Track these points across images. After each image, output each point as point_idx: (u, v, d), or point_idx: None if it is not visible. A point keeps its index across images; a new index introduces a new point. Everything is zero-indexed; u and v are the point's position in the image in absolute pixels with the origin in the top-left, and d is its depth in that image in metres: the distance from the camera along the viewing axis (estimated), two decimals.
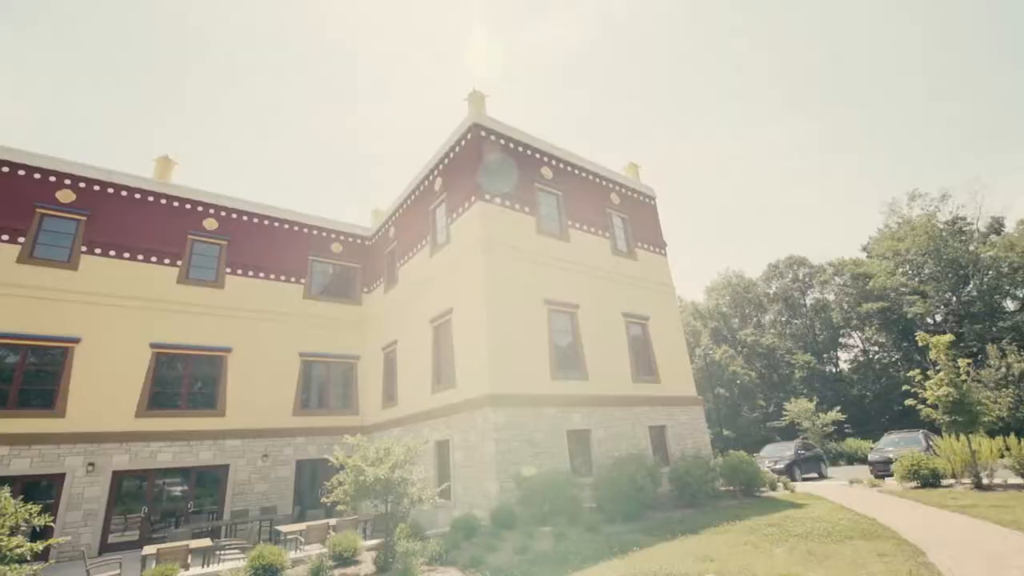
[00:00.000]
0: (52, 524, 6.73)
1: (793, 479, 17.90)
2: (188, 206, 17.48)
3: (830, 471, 22.03)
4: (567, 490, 11.08)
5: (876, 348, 43.03)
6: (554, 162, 16.90)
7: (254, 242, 18.36)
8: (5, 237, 14.24)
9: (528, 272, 14.30)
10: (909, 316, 37.51)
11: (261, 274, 18.11)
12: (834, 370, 44.87)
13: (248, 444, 15.91)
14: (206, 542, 10.04)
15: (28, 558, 5.94)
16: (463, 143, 15.55)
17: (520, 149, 16.01)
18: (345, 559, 8.45)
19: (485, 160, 14.74)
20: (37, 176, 15.20)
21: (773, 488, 15.24)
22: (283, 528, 11.41)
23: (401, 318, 17.30)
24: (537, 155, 16.45)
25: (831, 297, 46.15)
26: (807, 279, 48.16)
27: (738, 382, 40.77)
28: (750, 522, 10.45)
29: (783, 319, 49.02)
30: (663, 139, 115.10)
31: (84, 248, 15.23)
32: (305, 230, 19.79)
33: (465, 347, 13.50)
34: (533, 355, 13.38)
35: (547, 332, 13.99)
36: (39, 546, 6.09)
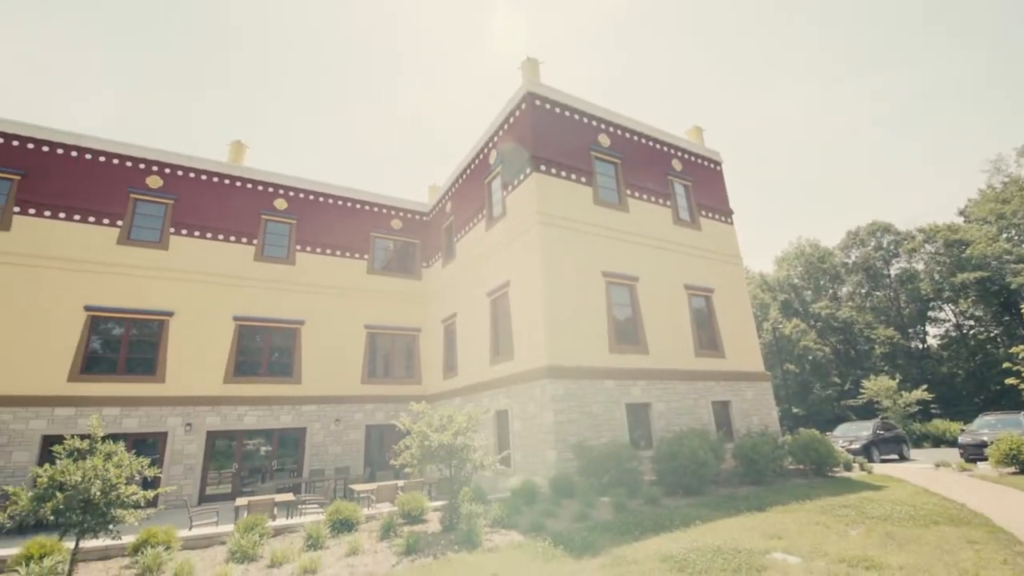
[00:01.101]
0: (159, 475, 7.58)
1: (871, 460, 16.88)
2: (260, 187, 18.52)
3: (913, 453, 20.54)
4: (626, 462, 11.05)
5: (972, 322, 39.06)
6: (612, 129, 16.30)
7: (320, 220, 19.23)
8: (106, 221, 15.76)
9: (585, 244, 14.06)
10: (1013, 287, 33.60)
11: (328, 251, 19.00)
12: (921, 346, 41.30)
13: (322, 409, 17.05)
14: (289, 496, 10.95)
15: (142, 504, 6.74)
16: (517, 113, 15.31)
17: (576, 117, 15.55)
18: (413, 517, 8.93)
19: (539, 130, 14.47)
20: (129, 164, 16.61)
21: (848, 469, 14.44)
22: (356, 487, 12.22)
23: (459, 291, 17.64)
24: (594, 122, 15.93)
25: (920, 267, 42.10)
26: (892, 247, 44.11)
27: (810, 358, 38.56)
28: (822, 502, 9.98)
29: (863, 291, 45.42)
30: (729, 100, 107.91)
31: (172, 229, 16.59)
32: (366, 208, 20.45)
33: (522, 320, 13.58)
34: (591, 328, 13.26)
35: (605, 305, 13.78)
36: (151, 494, 6.88)
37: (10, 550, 6.79)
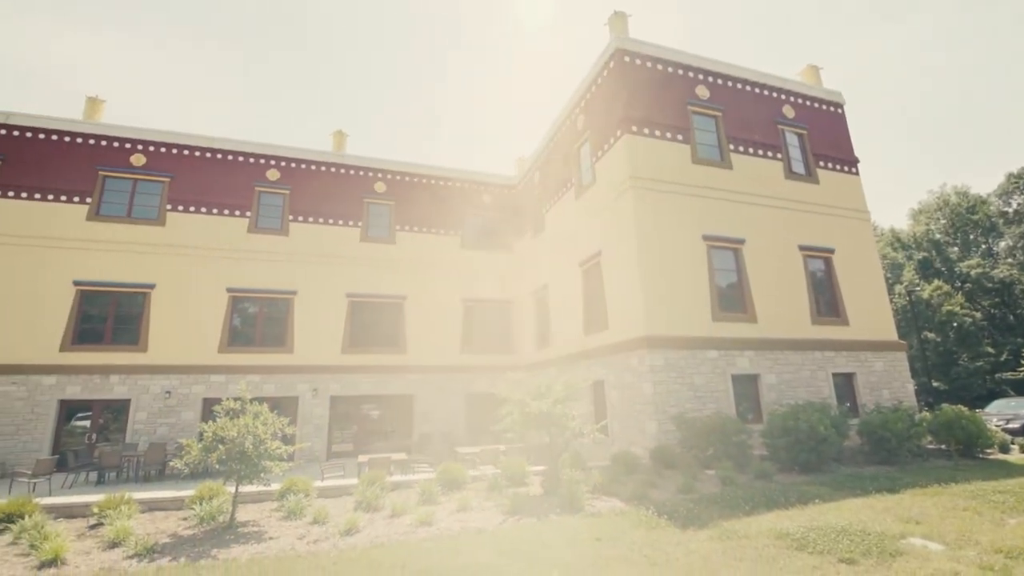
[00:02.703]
0: (295, 433, 8.63)
1: None
2: (362, 173, 19.77)
3: None
4: (734, 435, 10.53)
5: None
6: (710, 78, 14.99)
7: (416, 200, 20.13)
8: (238, 212, 17.83)
9: (683, 207, 13.26)
10: None
11: (424, 228, 19.90)
12: None
13: (426, 378, 18.22)
14: (402, 456, 11.95)
15: (284, 457, 7.75)
16: (605, 73, 14.62)
17: (669, 70, 14.50)
18: (516, 480, 9.31)
19: (630, 88, 13.72)
20: (252, 160, 18.53)
21: (1004, 451, 12.50)
22: (461, 449, 12.99)
23: (550, 262, 17.62)
24: (690, 73, 14.74)
25: None
26: None
27: (955, 325, 33.41)
28: (970, 486, 8.77)
29: None
30: (847, 30, 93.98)
31: (291, 217, 18.36)
32: (458, 184, 21.00)
33: (617, 289, 13.27)
34: (691, 296, 12.61)
35: (707, 271, 12.99)
36: (290, 449, 7.88)
37: (187, 492, 8.22)
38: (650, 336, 11.76)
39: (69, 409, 14.99)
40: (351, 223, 19.04)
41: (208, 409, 15.24)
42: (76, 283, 15.54)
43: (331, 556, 6.01)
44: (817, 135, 16.20)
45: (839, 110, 17.15)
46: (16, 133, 16.31)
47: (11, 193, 15.76)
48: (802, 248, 14.48)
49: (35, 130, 16.48)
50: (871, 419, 11.69)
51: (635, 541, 6.33)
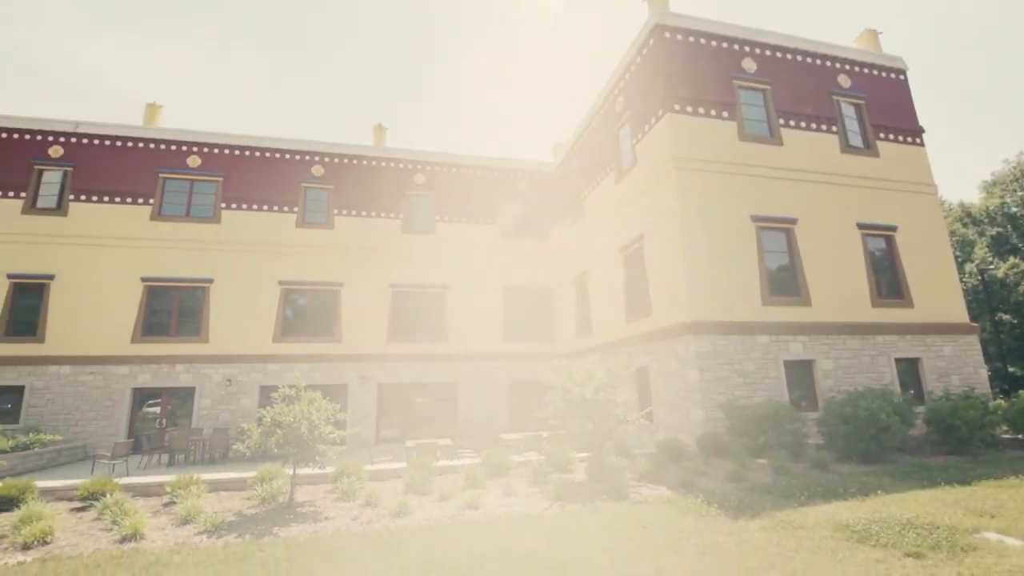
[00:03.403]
0: (345, 419, 8.98)
1: None
2: (401, 166, 20.07)
3: None
4: (787, 423, 10.15)
5: None
6: (758, 50, 14.24)
7: (455, 190, 20.27)
8: (286, 208, 18.51)
9: (730, 187, 12.73)
10: None
11: (463, 218, 20.04)
12: None
13: (469, 366, 18.48)
14: (447, 441, 12.21)
15: (337, 442, 8.09)
16: (645, 51, 14.15)
17: (713, 43, 13.86)
18: (560, 466, 9.33)
19: (671, 65, 13.22)
20: (297, 157, 19.15)
21: None
22: (504, 436, 13.14)
23: (590, 249, 17.39)
24: (735, 46, 14.05)
25: None
26: None
27: None
28: None
29: None
30: None
31: (336, 211, 18.91)
32: (495, 173, 20.98)
33: (660, 274, 12.96)
34: (739, 279, 12.15)
35: (756, 253, 12.46)
36: (342, 434, 8.20)
37: (249, 473, 8.71)
38: (696, 322, 11.44)
39: (141, 396, 16.17)
40: (393, 215, 19.41)
41: (265, 396, 16.07)
42: (143, 279, 16.64)
43: (384, 537, 6.23)
44: (876, 105, 15.14)
45: (901, 76, 15.93)
46: (84, 141, 17.51)
47: (83, 197, 16.99)
48: (861, 226, 13.65)
49: (101, 137, 17.65)
50: (939, 407, 10.98)
51: (684, 529, 6.22)
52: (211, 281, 17.10)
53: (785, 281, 12.67)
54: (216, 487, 8.51)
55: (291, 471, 8.01)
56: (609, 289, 15.80)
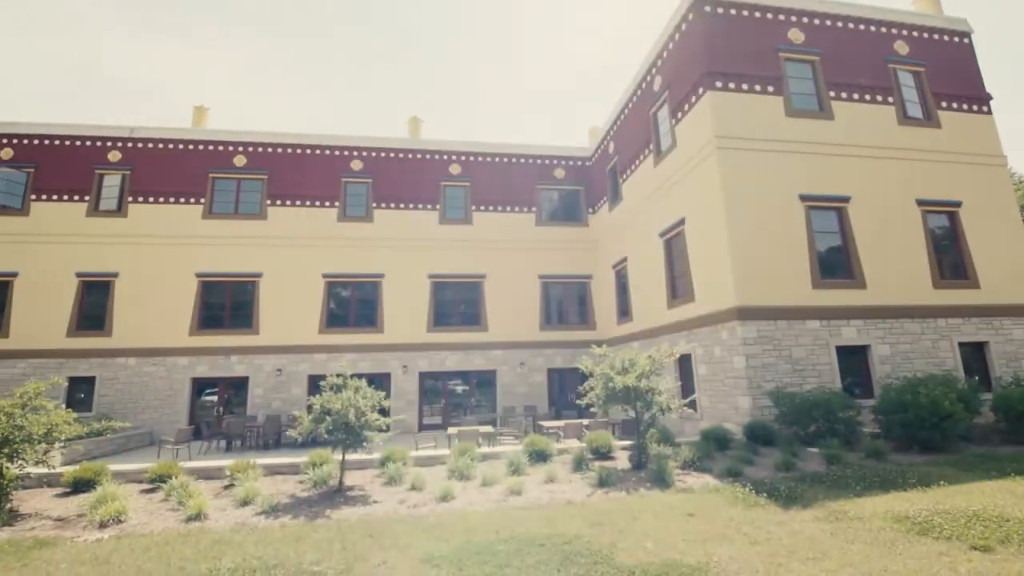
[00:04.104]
0: (390, 407, 9.23)
1: None
2: (437, 157, 20.22)
3: None
4: (840, 411, 9.74)
5: None
6: (805, 19, 13.47)
7: (491, 179, 20.28)
8: (327, 203, 19.02)
9: (776, 166, 12.18)
10: None
11: (499, 207, 20.05)
12: None
13: (508, 354, 18.62)
14: (489, 428, 12.37)
15: (383, 428, 8.33)
16: (683, 27, 13.64)
17: (756, 15, 13.21)
18: (602, 454, 9.31)
19: (712, 40, 12.69)
20: (336, 153, 19.60)
21: None
22: (545, 423, 13.20)
23: (629, 234, 17.08)
24: (780, 16, 13.34)
25: None
26: None
27: None
28: None
29: None
30: None
31: (375, 204, 19.29)
32: (530, 160, 20.85)
33: (703, 259, 12.60)
34: (787, 262, 11.66)
35: (805, 234, 11.92)
36: (388, 421, 8.45)
37: (301, 458, 9.11)
38: (741, 307, 11.08)
39: (200, 386, 17.14)
40: (429, 206, 19.64)
41: (313, 385, 16.72)
42: (198, 275, 17.54)
43: (430, 520, 6.41)
44: (937, 72, 14.08)
45: (965, 40, 14.74)
46: (139, 145, 18.49)
47: (140, 198, 17.99)
48: (920, 203, 12.82)
49: (154, 140, 18.58)
50: (1009, 394, 10.27)
51: (732, 518, 6.10)
52: (260, 275, 17.85)
53: (837, 263, 12.07)
54: (271, 471, 8.95)
55: (340, 456, 8.32)
56: (649, 275, 15.51)
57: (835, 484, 7.39)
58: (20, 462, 7.08)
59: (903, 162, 12.99)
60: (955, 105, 13.97)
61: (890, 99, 13.44)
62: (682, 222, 13.51)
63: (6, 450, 6.88)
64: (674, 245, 14.14)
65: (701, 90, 12.61)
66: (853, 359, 11.56)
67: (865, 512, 6.15)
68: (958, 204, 13.06)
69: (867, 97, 13.28)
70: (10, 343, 16.32)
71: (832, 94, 13.06)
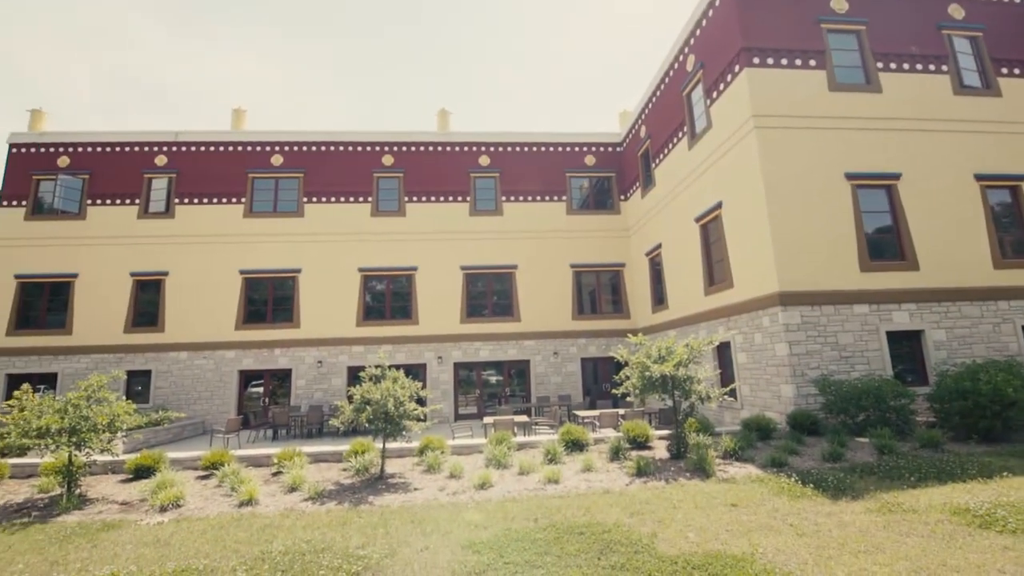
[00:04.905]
0: (427, 396, 9.38)
1: None
2: (466, 148, 20.25)
3: None
4: (891, 399, 9.30)
5: None
6: None
7: (520, 169, 20.18)
8: (361, 199, 19.36)
9: (820, 143, 11.63)
10: None
11: (530, 197, 19.95)
12: None
13: (541, 344, 18.61)
14: (524, 418, 12.43)
15: (421, 418, 8.49)
16: (716, 2, 13.12)
17: None
18: (639, 443, 9.21)
19: (748, 13, 12.17)
20: (368, 149, 19.89)
21: None
22: (580, 412, 13.15)
23: (662, 220, 16.70)
24: None
25: None
26: None
27: None
28: None
29: None
30: None
31: (406, 198, 19.53)
32: (559, 148, 20.61)
33: (741, 243, 12.20)
34: (832, 245, 11.15)
35: (852, 214, 11.36)
36: (426, 410, 8.59)
37: (343, 447, 9.39)
38: (783, 292, 10.69)
39: (246, 377, 17.89)
40: (460, 198, 19.72)
41: (352, 376, 17.20)
42: (241, 272, 18.22)
43: (469, 507, 6.50)
44: (997, 35, 13.08)
45: None
46: (184, 149, 19.27)
47: (186, 200, 18.78)
48: (979, 178, 12.00)
49: (197, 144, 19.32)
50: None
51: (777, 509, 5.94)
52: (299, 271, 18.40)
53: (887, 244, 11.47)
54: (315, 459, 9.26)
55: (380, 445, 8.53)
56: (685, 261, 15.15)
57: (887, 475, 7.08)
58: (87, 450, 7.56)
59: (959, 135, 12.17)
60: (1018, 71, 12.97)
61: (944, 68, 12.58)
62: (719, 206, 13.10)
63: (74, 439, 7.35)
64: (711, 230, 13.75)
65: (737, 67, 12.14)
66: (905, 345, 11.01)
67: (921, 504, 5.87)
68: (1022, 178, 12.17)
69: (919, 67, 12.48)
70: (74, 339, 17.43)
71: (880, 65, 12.33)
